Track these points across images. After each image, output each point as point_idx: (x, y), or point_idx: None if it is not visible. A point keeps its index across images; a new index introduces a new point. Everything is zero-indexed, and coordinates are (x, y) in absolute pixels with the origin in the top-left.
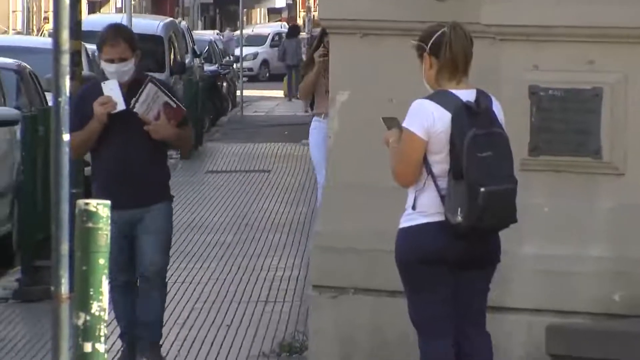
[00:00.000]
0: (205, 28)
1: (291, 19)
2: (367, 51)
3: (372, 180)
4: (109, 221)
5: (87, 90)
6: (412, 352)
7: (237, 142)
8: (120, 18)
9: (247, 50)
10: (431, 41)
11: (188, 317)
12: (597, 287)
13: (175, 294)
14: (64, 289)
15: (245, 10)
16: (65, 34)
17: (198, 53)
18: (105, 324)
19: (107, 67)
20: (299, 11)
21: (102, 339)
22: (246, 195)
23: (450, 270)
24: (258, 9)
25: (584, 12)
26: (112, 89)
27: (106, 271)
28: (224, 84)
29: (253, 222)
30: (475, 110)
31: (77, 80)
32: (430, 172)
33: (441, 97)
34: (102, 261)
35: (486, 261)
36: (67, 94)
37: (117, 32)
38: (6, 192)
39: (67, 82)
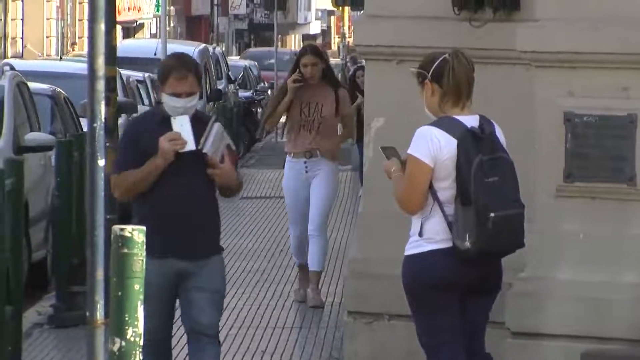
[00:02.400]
0: (239, 54)
1: (326, 45)
2: (403, 78)
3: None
4: (144, 247)
5: (140, 124)
6: None
7: (271, 168)
8: (155, 44)
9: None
10: (432, 68)
11: (223, 343)
12: (633, 313)
13: None
14: (99, 314)
15: (279, 36)
16: (100, 60)
17: (233, 79)
18: (140, 350)
19: (172, 102)
20: (334, 37)
21: None
22: (281, 221)
23: (459, 295)
24: (292, 35)
25: (619, 39)
26: (182, 125)
27: (141, 297)
28: (259, 110)
29: (288, 249)
30: (480, 135)
31: (112, 106)
32: (436, 198)
33: (446, 123)
34: (137, 287)
35: (493, 286)
36: (103, 119)
37: (185, 64)
38: (41, 217)
39: (102, 108)
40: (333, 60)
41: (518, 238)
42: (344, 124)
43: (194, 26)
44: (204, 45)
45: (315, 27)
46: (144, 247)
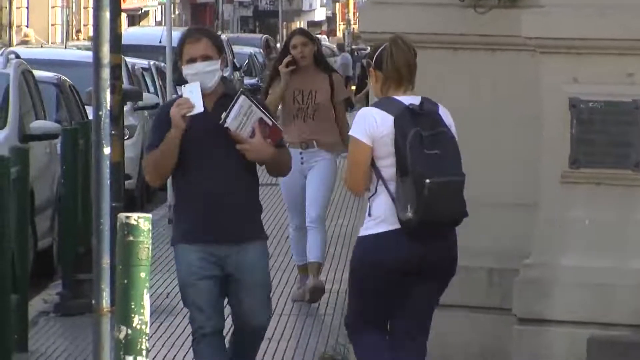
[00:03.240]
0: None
1: (331, 32)
2: None
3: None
4: (150, 235)
5: (168, 107)
6: None
7: None
8: (160, 31)
9: None
10: (375, 56)
11: (229, 329)
12: (638, 299)
13: None
14: (105, 302)
15: (284, 23)
16: (105, 48)
17: (238, 66)
18: (146, 338)
19: (188, 69)
20: (339, 24)
21: (144, 352)
22: (282, 208)
23: (403, 279)
24: (298, 22)
25: (624, 25)
26: (191, 92)
27: (147, 285)
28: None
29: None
30: (418, 111)
31: (117, 94)
32: (380, 176)
33: (384, 103)
34: (143, 275)
35: (443, 272)
36: (108, 107)
37: (197, 30)
38: (47, 205)
39: (107, 96)
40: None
41: (456, 205)
42: (337, 114)
43: (199, 13)
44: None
45: (320, 14)
46: (150, 234)
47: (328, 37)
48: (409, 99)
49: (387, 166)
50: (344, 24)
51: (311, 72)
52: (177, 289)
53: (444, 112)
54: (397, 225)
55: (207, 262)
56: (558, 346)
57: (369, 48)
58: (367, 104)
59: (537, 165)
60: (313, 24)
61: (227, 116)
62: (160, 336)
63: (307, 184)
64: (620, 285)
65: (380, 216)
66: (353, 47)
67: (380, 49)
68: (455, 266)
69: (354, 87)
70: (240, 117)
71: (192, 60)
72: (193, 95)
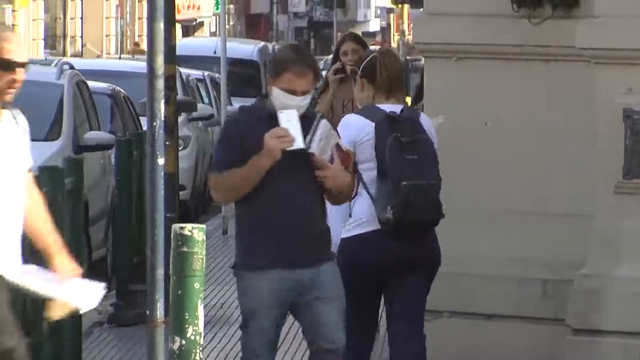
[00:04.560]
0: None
1: (385, 42)
2: (462, 75)
3: (467, 204)
4: (204, 245)
5: (243, 120)
6: None
7: None
8: (215, 42)
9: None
10: (362, 66)
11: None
12: None
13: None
14: (159, 313)
15: (339, 34)
16: (160, 59)
17: None
18: (200, 348)
19: (285, 99)
20: (393, 34)
21: None
22: None
23: (384, 279)
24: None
25: None
26: (290, 120)
27: (202, 295)
28: None
29: None
30: (398, 119)
31: (172, 104)
32: (361, 179)
33: (366, 110)
34: (197, 285)
35: (422, 264)
36: (162, 118)
37: (305, 59)
38: (101, 216)
39: (161, 107)
40: None
41: (432, 206)
42: None
43: (254, 24)
44: (263, 43)
45: (374, 25)
46: (204, 245)
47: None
48: (391, 107)
49: (368, 170)
50: (398, 35)
51: (351, 82)
52: (231, 299)
53: (425, 120)
54: (377, 227)
55: (276, 290)
56: (612, 357)
57: (422, 59)
58: None
59: (592, 176)
60: (367, 34)
61: (311, 141)
62: (215, 347)
63: None
64: None
65: (362, 218)
66: (408, 57)
67: (368, 59)
68: (438, 256)
69: (409, 98)
70: (322, 142)
71: (293, 92)
72: (291, 125)
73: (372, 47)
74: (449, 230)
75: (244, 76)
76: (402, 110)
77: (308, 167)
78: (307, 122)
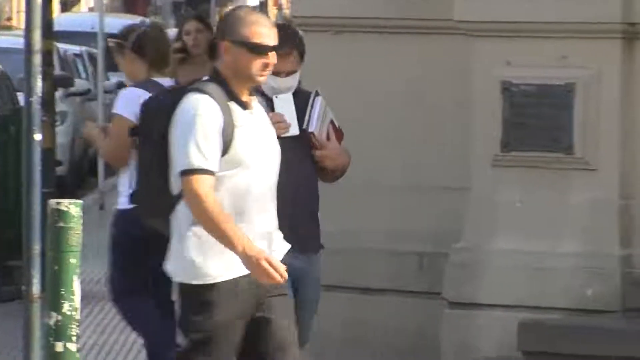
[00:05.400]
0: (177, 27)
1: None
2: (339, 49)
3: (347, 179)
4: (81, 221)
5: None
6: (386, 348)
7: None
8: (92, 17)
9: None
10: (133, 40)
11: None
12: (570, 283)
13: None
14: (35, 288)
15: (217, 9)
16: (37, 34)
17: None
18: (77, 324)
19: (271, 82)
20: (271, 9)
21: (74, 338)
22: None
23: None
24: (230, 7)
25: (557, 8)
26: (285, 106)
27: (78, 271)
28: None
29: None
30: (175, 93)
31: (49, 80)
32: None
33: (148, 85)
34: (73, 261)
35: None
36: (39, 93)
37: (287, 39)
38: None
39: (38, 82)
40: None
41: None
42: None
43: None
44: (141, 18)
45: (253, 0)
46: (81, 220)
47: None
48: (168, 82)
49: None
50: (276, 9)
51: (205, 65)
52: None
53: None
54: None
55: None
56: (489, 330)
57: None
58: None
59: (469, 149)
60: None
61: (309, 120)
62: (91, 322)
63: None
64: (553, 269)
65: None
66: None
67: (139, 33)
68: None
69: None
70: (320, 120)
71: (276, 73)
72: (286, 111)
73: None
74: (325, 205)
75: None
76: (176, 83)
77: (304, 147)
78: (301, 99)
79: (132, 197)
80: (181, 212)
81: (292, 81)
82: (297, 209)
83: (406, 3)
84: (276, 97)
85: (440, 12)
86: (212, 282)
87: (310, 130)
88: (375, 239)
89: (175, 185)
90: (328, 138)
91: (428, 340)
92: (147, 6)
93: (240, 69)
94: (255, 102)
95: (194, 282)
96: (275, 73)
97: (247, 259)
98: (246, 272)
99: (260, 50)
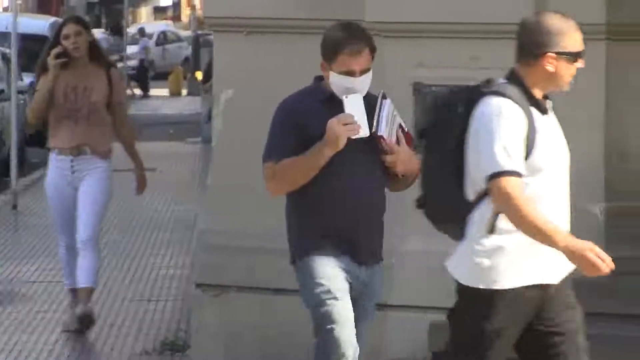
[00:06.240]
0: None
1: (176, 17)
2: (253, 49)
3: (255, 179)
4: None
5: (299, 103)
6: (295, 349)
7: None
8: (6, 17)
9: (132, 49)
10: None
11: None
12: None
13: (59, 293)
14: None
15: (131, 9)
16: None
17: None
18: None
19: (344, 82)
20: (184, 9)
21: None
22: (132, 193)
23: None
24: (144, 8)
25: (468, 8)
26: (355, 106)
27: None
28: None
29: (138, 221)
30: None
31: None
32: None
33: None
34: None
35: None
36: None
37: (360, 36)
38: None
39: None
40: (184, 32)
41: None
42: (115, 116)
43: (45, 0)
44: (54, 19)
45: (166, 0)
46: None
47: (173, 23)
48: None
49: None
50: (189, 9)
51: (87, 67)
52: (20, 273)
53: None
54: None
55: (346, 281)
56: (400, 332)
57: (213, 33)
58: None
59: None
60: (159, 9)
61: (378, 123)
62: (3, 322)
63: (79, 198)
64: None
65: None
66: (199, 32)
67: None
68: None
69: (199, 74)
70: (389, 124)
71: (351, 73)
72: (356, 111)
73: (162, 22)
74: (231, 204)
75: (36, 52)
76: None
77: (374, 152)
78: (368, 102)
79: (419, 203)
80: (477, 217)
81: (366, 80)
82: (363, 216)
83: (317, 4)
84: (346, 97)
85: (352, 13)
86: (499, 288)
87: (379, 133)
88: (285, 238)
89: (471, 191)
90: (398, 142)
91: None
92: (61, 6)
93: (558, 78)
94: (549, 106)
95: (480, 286)
96: (350, 72)
97: (572, 253)
98: (534, 282)
99: (578, 57)
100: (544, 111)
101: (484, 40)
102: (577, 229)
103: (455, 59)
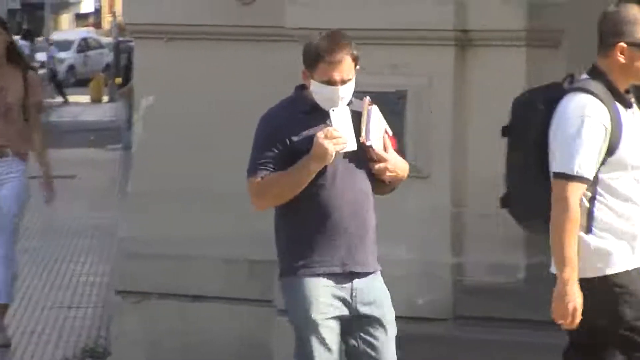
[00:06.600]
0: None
1: (96, 24)
2: (173, 56)
3: (176, 186)
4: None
5: (281, 116)
6: (215, 355)
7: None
8: None
9: (42, 57)
10: None
11: None
12: (402, 290)
13: None
14: None
15: (52, 15)
16: None
17: None
18: None
19: (325, 92)
20: (105, 16)
21: None
22: (60, 201)
23: None
24: (66, 14)
25: (388, 15)
26: (342, 120)
27: None
28: None
29: (58, 228)
30: None
31: None
32: None
33: None
34: None
35: None
36: None
37: (342, 45)
38: None
39: None
40: (105, 39)
41: None
42: (30, 117)
43: None
44: None
45: (87, 6)
46: None
47: (95, 30)
48: None
49: None
50: (110, 16)
51: (3, 67)
52: None
53: None
54: None
55: (337, 299)
56: None
57: (134, 40)
58: (131, 99)
59: None
60: (80, 16)
61: (367, 132)
62: None
63: None
64: (385, 276)
65: None
66: (120, 39)
67: None
68: None
69: (119, 79)
70: (376, 132)
71: (332, 83)
72: (343, 125)
73: (84, 29)
74: (151, 211)
75: None
76: None
77: (361, 160)
78: (352, 111)
79: (503, 200)
80: None
81: (349, 90)
82: (355, 227)
83: (237, 11)
84: (332, 110)
85: (272, 19)
86: (621, 271)
87: (368, 143)
88: (206, 245)
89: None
90: (385, 149)
91: (259, 348)
92: None
93: (632, 69)
94: (632, 100)
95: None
96: (331, 82)
97: (563, 292)
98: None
99: None
100: (628, 105)
101: (404, 46)
102: None
103: (375, 66)
